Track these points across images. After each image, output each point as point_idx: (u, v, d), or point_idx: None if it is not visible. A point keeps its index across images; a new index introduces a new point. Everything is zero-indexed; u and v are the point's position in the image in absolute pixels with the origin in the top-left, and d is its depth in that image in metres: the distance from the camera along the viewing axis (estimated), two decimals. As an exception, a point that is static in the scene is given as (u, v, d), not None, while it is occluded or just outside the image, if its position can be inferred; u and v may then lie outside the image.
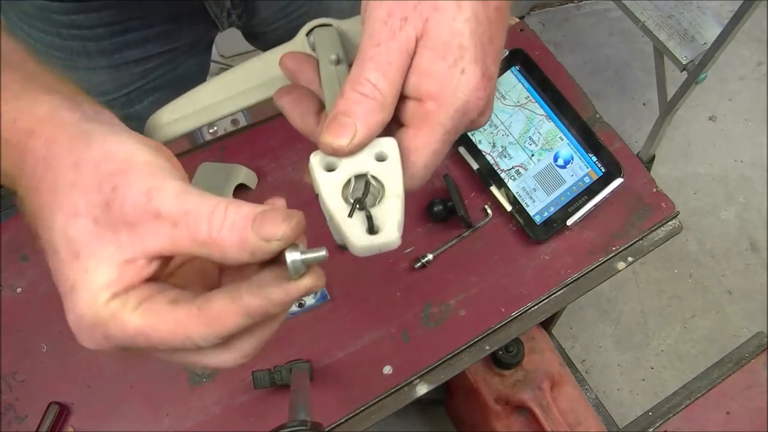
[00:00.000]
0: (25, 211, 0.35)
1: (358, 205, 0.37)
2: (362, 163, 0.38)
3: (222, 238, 0.32)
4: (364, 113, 0.37)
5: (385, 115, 0.37)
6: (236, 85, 0.57)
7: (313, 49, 0.48)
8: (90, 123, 0.35)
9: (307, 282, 0.34)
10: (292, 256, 0.34)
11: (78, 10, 0.75)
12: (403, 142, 0.38)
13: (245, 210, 0.32)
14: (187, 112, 0.53)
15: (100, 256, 0.32)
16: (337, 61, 0.43)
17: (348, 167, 0.38)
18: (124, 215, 0.32)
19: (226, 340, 0.34)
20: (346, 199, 0.38)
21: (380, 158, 0.38)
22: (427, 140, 0.37)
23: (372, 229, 0.36)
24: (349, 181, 0.38)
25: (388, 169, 0.37)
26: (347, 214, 0.37)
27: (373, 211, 0.37)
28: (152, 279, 0.33)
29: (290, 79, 0.44)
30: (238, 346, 0.34)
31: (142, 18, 0.80)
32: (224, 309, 0.32)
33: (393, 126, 0.39)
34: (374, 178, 0.37)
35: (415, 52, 0.37)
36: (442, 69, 0.36)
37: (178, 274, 0.37)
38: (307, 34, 0.49)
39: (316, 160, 0.38)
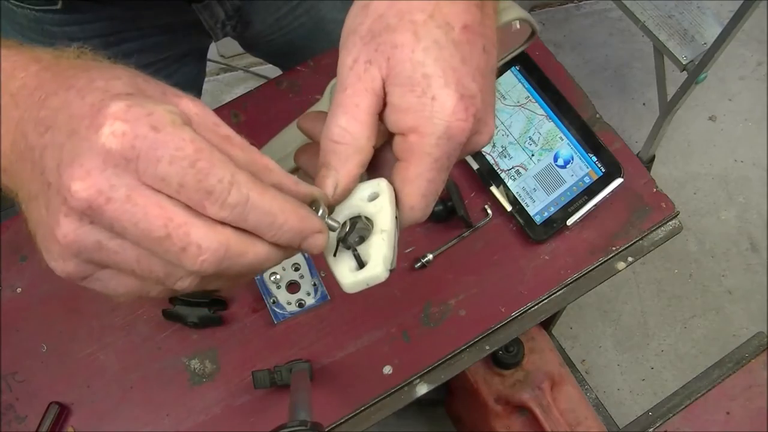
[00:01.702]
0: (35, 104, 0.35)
1: (341, 244, 0.38)
2: (355, 205, 0.39)
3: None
4: (339, 160, 0.38)
5: (361, 156, 0.38)
6: (273, 155, 0.59)
7: None
8: None
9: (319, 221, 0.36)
10: (322, 210, 0.36)
11: (72, 21, 0.75)
12: (398, 175, 0.38)
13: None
14: None
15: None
16: None
17: (344, 211, 0.40)
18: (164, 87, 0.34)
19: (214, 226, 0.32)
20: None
21: (373, 198, 0.39)
22: (417, 171, 0.38)
23: (362, 265, 0.38)
24: (344, 224, 0.39)
25: (378, 206, 0.38)
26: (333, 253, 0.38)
27: (362, 248, 0.38)
28: None
29: (310, 138, 0.45)
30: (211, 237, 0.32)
31: (136, 30, 0.80)
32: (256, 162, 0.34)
33: (392, 161, 0.40)
34: (366, 217, 0.39)
35: (386, 92, 0.38)
36: (412, 101, 0.37)
37: None
38: (330, 90, 0.50)
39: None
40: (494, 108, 0.40)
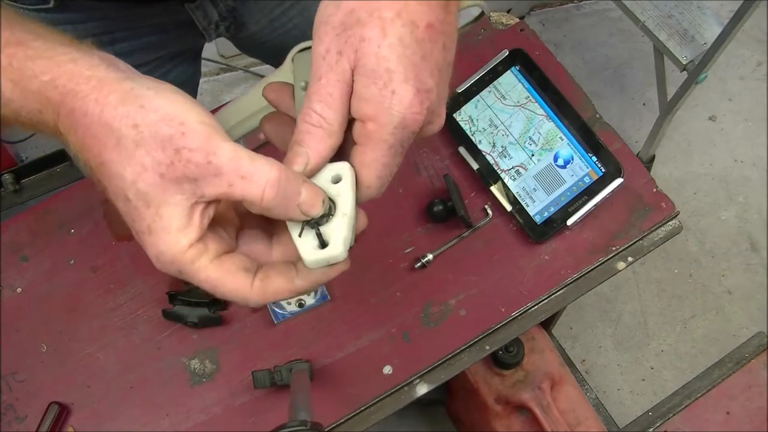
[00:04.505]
0: (79, 162, 0.41)
1: (306, 224, 0.42)
2: (320, 185, 0.42)
3: (272, 203, 0.39)
4: (313, 142, 0.42)
5: (333, 140, 0.42)
6: (234, 116, 0.61)
7: None
8: (132, 82, 0.39)
9: (344, 265, 0.42)
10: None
11: (64, 21, 0.74)
12: (356, 158, 0.42)
13: (293, 177, 0.40)
14: None
15: (168, 203, 0.38)
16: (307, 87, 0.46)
17: None
18: (187, 173, 0.38)
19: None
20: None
21: (336, 180, 0.43)
22: (374, 156, 0.41)
23: (324, 245, 0.42)
24: None
25: (340, 189, 0.42)
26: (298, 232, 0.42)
27: (325, 228, 0.42)
28: (214, 220, 0.40)
29: (274, 107, 0.48)
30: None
31: (128, 30, 0.79)
32: (280, 288, 0.42)
33: (352, 144, 0.43)
34: (329, 198, 0.42)
35: (353, 81, 0.41)
36: (374, 93, 0.40)
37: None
38: (293, 59, 0.51)
39: None
40: (447, 99, 0.44)
